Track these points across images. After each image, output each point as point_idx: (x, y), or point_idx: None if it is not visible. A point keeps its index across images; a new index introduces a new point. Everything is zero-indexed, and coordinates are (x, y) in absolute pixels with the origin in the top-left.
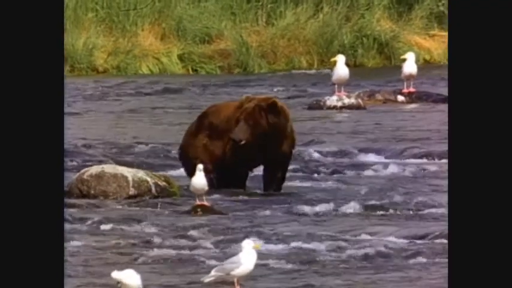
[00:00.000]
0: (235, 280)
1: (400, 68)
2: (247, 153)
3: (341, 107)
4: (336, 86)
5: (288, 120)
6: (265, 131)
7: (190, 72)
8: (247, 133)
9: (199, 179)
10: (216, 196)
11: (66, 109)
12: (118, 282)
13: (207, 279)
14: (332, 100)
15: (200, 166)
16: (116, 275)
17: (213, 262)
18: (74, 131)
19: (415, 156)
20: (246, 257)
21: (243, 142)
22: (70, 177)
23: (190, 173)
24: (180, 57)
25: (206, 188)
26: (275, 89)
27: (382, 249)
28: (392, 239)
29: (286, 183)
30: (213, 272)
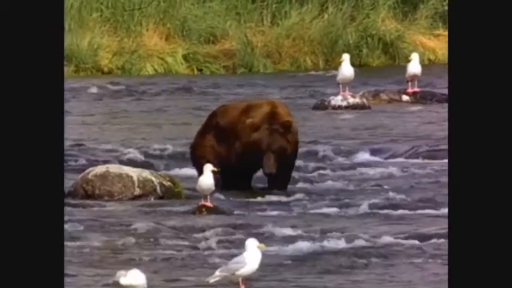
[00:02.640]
0: (240, 280)
1: (404, 67)
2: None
3: (346, 107)
4: (341, 85)
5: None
6: (287, 151)
7: (195, 72)
8: (276, 162)
9: (207, 179)
10: (220, 196)
11: (69, 109)
12: (116, 282)
13: (211, 279)
14: (337, 100)
15: (208, 166)
16: (121, 275)
17: (217, 262)
18: (78, 131)
19: (419, 156)
20: (251, 256)
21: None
22: (74, 178)
23: (199, 172)
24: (185, 57)
25: (213, 188)
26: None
27: (383, 249)
28: (392, 238)
29: (291, 183)
30: (217, 272)
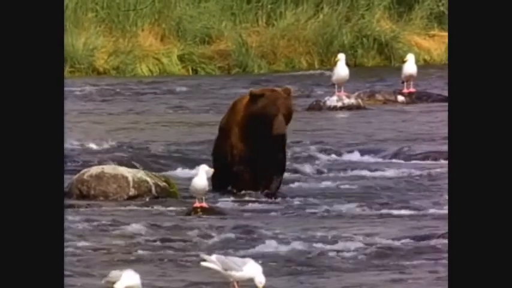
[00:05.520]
0: (235, 282)
1: (400, 68)
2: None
3: (341, 108)
4: (336, 86)
5: None
6: (292, 113)
7: (190, 72)
8: (285, 124)
9: (200, 180)
10: (215, 196)
11: (67, 109)
12: (113, 283)
13: (205, 262)
14: (332, 100)
15: (203, 167)
16: (115, 274)
17: (213, 255)
18: (74, 132)
19: (415, 157)
20: (249, 269)
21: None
22: (70, 178)
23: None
24: (180, 58)
25: (206, 189)
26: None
27: (382, 249)
28: (392, 239)
29: (287, 183)
30: (214, 257)
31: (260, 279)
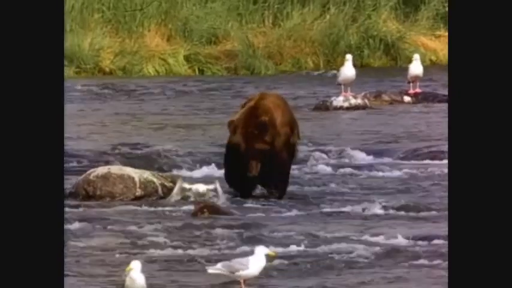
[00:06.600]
0: (242, 281)
1: (406, 68)
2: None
3: (347, 108)
4: (342, 86)
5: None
6: (267, 150)
7: (197, 73)
8: (258, 164)
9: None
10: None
11: (71, 109)
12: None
13: (212, 270)
14: (338, 101)
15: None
16: (124, 275)
17: (218, 263)
18: (81, 133)
19: (421, 157)
20: (255, 262)
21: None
22: (76, 178)
23: None
24: (187, 58)
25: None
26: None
27: (383, 250)
28: (393, 240)
29: (292, 185)
30: (219, 265)
31: (270, 251)
